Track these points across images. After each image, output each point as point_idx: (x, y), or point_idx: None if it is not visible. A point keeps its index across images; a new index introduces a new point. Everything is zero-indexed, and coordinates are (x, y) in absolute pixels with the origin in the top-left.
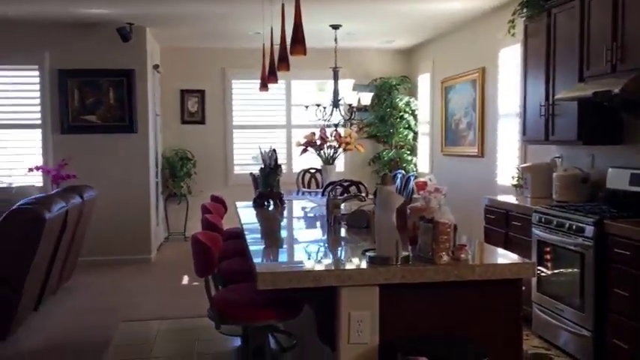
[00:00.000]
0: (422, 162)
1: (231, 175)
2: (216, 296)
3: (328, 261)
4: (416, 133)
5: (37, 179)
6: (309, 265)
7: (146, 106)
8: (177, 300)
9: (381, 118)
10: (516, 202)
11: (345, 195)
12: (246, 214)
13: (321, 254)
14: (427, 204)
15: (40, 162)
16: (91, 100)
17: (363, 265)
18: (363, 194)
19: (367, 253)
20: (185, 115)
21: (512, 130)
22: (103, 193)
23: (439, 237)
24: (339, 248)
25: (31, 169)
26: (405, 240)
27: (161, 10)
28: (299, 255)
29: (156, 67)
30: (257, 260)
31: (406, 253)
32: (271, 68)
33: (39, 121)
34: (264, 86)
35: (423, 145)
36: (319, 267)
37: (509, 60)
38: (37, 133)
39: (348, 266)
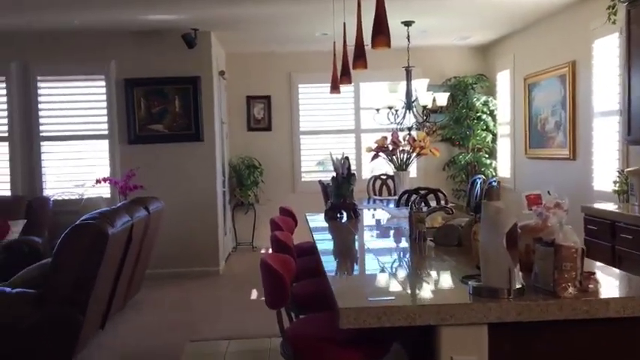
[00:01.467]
0: (502, 166)
1: (299, 182)
2: (290, 330)
3: (422, 292)
4: (495, 135)
5: (105, 190)
6: (400, 298)
7: (212, 114)
8: (246, 317)
9: (457, 119)
10: (622, 212)
11: (429, 207)
12: (319, 229)
13: (409, 281)
14: (544, 223)
15: (107, 173)
16: (158, 109)
17: (467, 297)
18: (449, 205)
19: (470, 283)
20: (251, 122)
21: (610, 130)
22: (170, 203)
23: (562, 264)
24: (431, 273)
25: (98, 181)
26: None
27: (226, 13)
28: (384, 281)
29: (221, 73)
30: (336, 288)
31: (520, 284)
32: (344, 68)
33: (106, 132)
34: (335, 88)
35: (503, 148)
36: (413, 301)
37: (606, 51)
38: (105, 144)
39: (449, 299)
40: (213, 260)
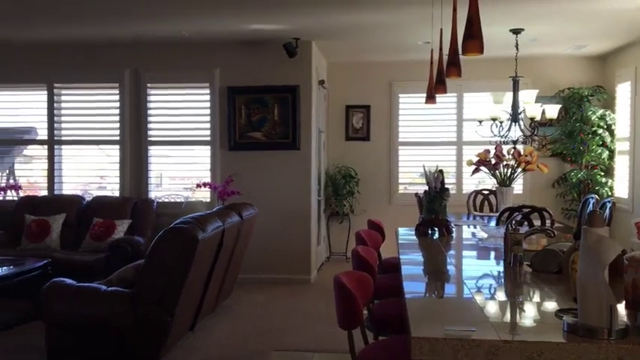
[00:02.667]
0: (620, 185)
1: (396, 194)
2: (362, 353)
3: (509, 324)
4: (612, 152)
5: (205, 194)
6: (483, 330)
7: (310, 123)
8: (334, 330)
9: (569, 133)
10: None
11: (529, 228)
12: (407, 245)
13: (496, 311)
14: None
15: (208, 178)
16: (257, 117)
17: (560, 335)
18: (551, 227)
19: (564, 318)
20: (350, 132)
21: None
22: (265, 210)
23: None
24: (522, 303)
25: (199, 185)
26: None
27: (328, 23)
28: (468, 309)
29: (321, 82)
30: (413, 313)
31: (623, 324)
32: (439, 77)
33: (208, 138)
34: (430, 98)
35: (622, 166)
36: (495, 334)
37: None
38: (207, 150)
39: (539, 335)
40: (305, 269)
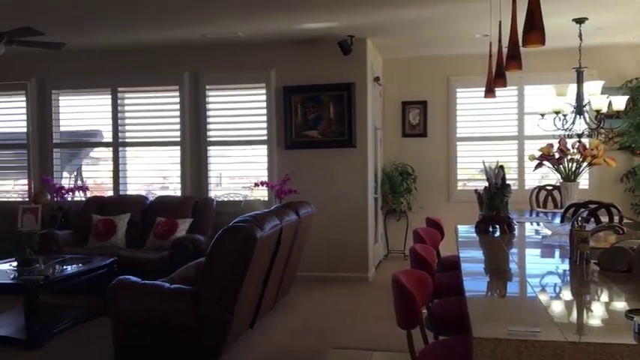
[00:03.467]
0: None
1: (454, 191)
2: (422, 353)
3: (576, 325)
4: None
5: (263, 193)
6: (548, 331)
7: (365, 120)
8: (392, 329)
9: (637, 125)
10: None
11: (595, 225)
12: (467, 243)
13: (562, 310)
14: None
15: (265, 177)
16: (313, 116)
17: (630, 336)
18: (619, 224)
19: (635, 319)
20: (406, 128)
21: None
22: (321, 208)
23: None
24: (589, 303)
25: (256, 184)
26: None
27: (383, 18)
28: (532, 309)
29: (376, 79)
30: (474, 312)
31: None
32: (499, 70)
33: (265, 137)
34: (490, 92)
35: None
36: (561, 335)
37: None
38: (264, 149)
39: (608, 337)
40: (363, 267)
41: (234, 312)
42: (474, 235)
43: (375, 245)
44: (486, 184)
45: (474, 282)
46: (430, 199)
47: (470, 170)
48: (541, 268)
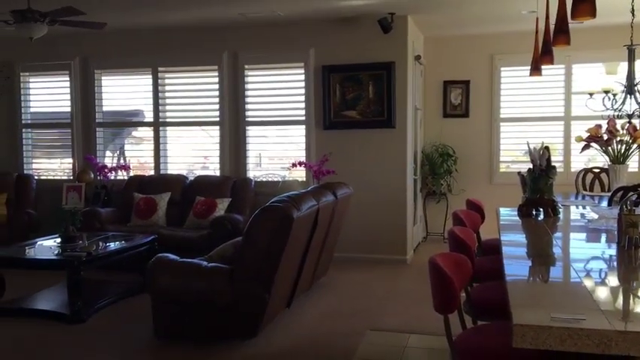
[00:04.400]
0: None
1: (497, 173)
2: (460, 340)
3: (623, 312)
4: None
5: (301, 174)
6: (594, 319)
7: (405, 100)
8: (430, 312)
9: None
10: None
11: None
12: (509, 226)
13: (608, 297)
14: None
15: (303, 157)
16: (352, 95)
17: None
18: None
19: None
20: (447, 108)
21: None
22: (359, 189)
23: None
24: (637, 289)
25: (294, 165)
26: None
27: None
28: (577, 295)
29: (417, 58)
30: (515, 298)
31: None
32: (545, 47)
33: (303, 118)
34: (536, 70)
35: None
36: (609, 323)
37: None
38: (302, 129)
39: None
40: (401, 249)
41: (271, 291)
42: (517, 218)
43: (413, 227)
44: (530, 165)
45: (516, 266)
46: (471, 181)
47: (514, 152)
48: (586, 253)
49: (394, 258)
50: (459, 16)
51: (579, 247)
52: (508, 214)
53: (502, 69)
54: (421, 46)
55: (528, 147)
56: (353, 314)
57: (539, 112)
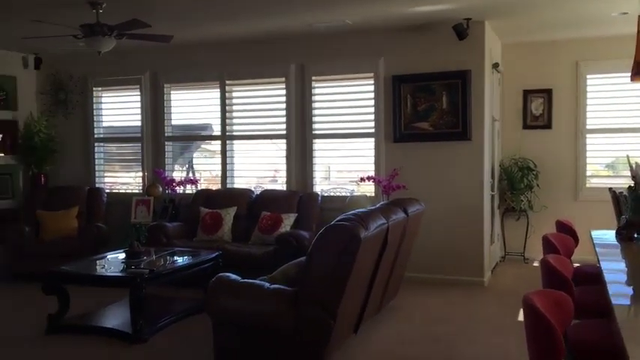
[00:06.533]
0: None
1: (583, 189)
2: None
3: None
4: None
5: (370, 188)
6: None
7: (482, 110)
8: (509, 341)
9: None
10: None
11: None
12: (607, 253)
13: None
14: None
15: (372, 171)
16: (424, 106)
17: None
18: None
19: None
20: (528, 119)
21: None
22: (431, 205)
23: None
24: None
25: (362, 179)
26: None
27: None
28: None
29: (495, 65)
30: (629, 337)
31: None
32: None
33: (372, 130)
34: (637, 75)
35: None
36: None
37: None
38: (371, 142)
39: None
40: (478, 270)
41: (337, 316)
42: (615, 242)
43: (491, 247)
44: (630, 182)
45: (623, 299)
46: (554, 197)
47: (601, 165)
48: None
49: (470, 279)
50: (540, 21)
51: None
52: (602, 236)
53: (588, 76)
54: (499, 53)
55: (628, 161)
56: (427, 342)
57: (633, 123)
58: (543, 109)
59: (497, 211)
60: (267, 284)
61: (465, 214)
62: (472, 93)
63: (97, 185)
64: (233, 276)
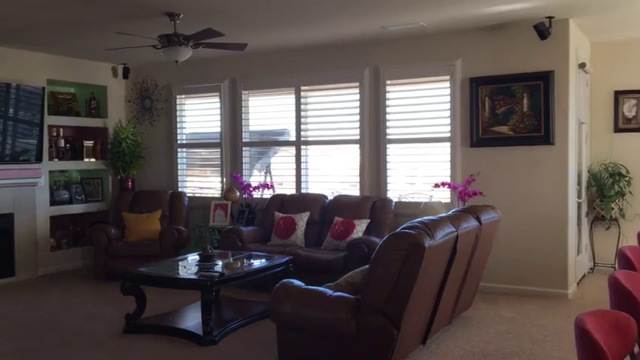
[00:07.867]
0: None
1: None
2: None
3: None
4: None
5: (445, 195)
6: None
7: (566, 113)
8: None
9: None
10: None
11: None
12: None
13: None
14: None
15: (448, 177)
16: (503, 109)
17: None
18: None
19: None
20: (620, 122)
21: None
22: (511, 212)
23: None
24: None
25: (437, 185)
26: None
27: None
28: None
29: (582, 65)
30: None
31: None
32: None
33: (448, 135)
34: None
35: None
36: None
37: None
38: (447, 147)
39: None
40: (561, 282)
41: (401, 326)
42: None
43: (577, 257)
44: None
45: None
46: None
47: None
48: None
49: (552, 291)
50: (633, 17)
51: None
52: None
53: None
54: (587, 53)
55: None
56: (501, 356)
57: None
58: (637, 111)
59: (584, 220)
60: (330, 291)
61: (547, 223)
62: (555, 95)
63: (179, 189)
64: (296, 282)
